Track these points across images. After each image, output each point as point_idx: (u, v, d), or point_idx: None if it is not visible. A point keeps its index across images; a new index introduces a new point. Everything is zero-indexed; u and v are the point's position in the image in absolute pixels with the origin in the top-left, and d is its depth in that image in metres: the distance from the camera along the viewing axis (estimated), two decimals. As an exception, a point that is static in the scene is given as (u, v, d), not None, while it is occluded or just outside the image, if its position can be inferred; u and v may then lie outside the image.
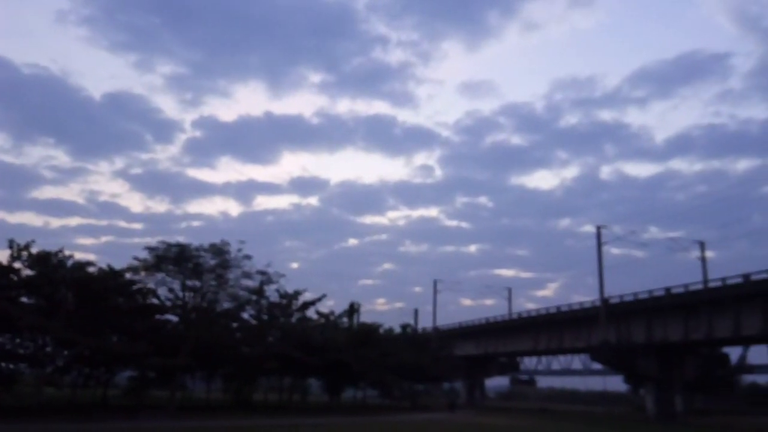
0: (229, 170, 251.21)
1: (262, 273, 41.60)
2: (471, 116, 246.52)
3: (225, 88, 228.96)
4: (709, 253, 58.47)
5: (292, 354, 43.27)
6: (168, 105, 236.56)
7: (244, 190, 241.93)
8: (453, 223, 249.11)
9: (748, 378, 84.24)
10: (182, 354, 37.03)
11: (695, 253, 57.97)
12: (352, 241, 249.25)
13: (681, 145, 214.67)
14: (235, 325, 45.28)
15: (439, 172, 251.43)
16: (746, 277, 43.05)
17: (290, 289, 48.29)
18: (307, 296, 49.99)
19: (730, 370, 68.09)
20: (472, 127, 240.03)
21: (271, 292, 45.35)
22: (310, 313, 51.97)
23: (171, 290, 39.17)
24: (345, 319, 56.31)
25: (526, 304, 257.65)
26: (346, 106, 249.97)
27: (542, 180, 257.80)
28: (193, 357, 38.16)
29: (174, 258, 37.52)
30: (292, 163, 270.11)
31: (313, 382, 63.27)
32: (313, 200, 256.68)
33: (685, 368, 55.01)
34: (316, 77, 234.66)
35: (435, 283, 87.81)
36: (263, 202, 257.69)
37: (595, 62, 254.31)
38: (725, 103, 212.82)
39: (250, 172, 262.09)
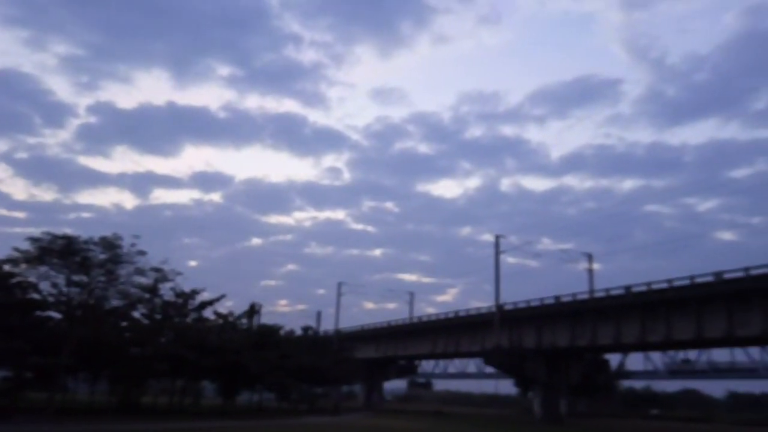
0: (125, 160, 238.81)
1: (157, 270, 39.72)
2: (381, 122, 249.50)
3: (125, 74, 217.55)
4: (595, 265, 62.38)
5: (185, 355, 41.60)
6: (61, 87, 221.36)
7: (141, 182, 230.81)
8: (359, 226, 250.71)
9: (625, 383, 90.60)
10: (64, 353, 34.67)
11: (583, 265, 61.66)
12: (256, 241, 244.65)
13: (574, 162, 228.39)
14: (124, 324, 42.98)
15: (347, 175, 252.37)
16: (627, 288, 46.25)
17: (187, 288, 46.43)
18: (205, 296, 48.28)
19: (610, 375, 72.84)
20: (381, 132, 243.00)
21: (166, 290, 43.46)
22: (208, 313, 50.20)
23: (54, 285, 36.46)
24: (244, 321, 54.95)
25: (427, 309, 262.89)
26: (255, 101, 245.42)
27: (446, 189, 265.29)
28: (77, 357, 35.82)
29: (59, 251, 35.02)
30: (194, 157, 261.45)
31: (207, 385, 61.25)
32: (215, 196, 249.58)
33: (571, 373, 58.24)
34: (224, 70, 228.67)
35: (339, 285, 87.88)
36: (161, 196, 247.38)
37: (500, 78, 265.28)
38: (615, 125, 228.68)
39: (149, 163, 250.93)
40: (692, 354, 67.82)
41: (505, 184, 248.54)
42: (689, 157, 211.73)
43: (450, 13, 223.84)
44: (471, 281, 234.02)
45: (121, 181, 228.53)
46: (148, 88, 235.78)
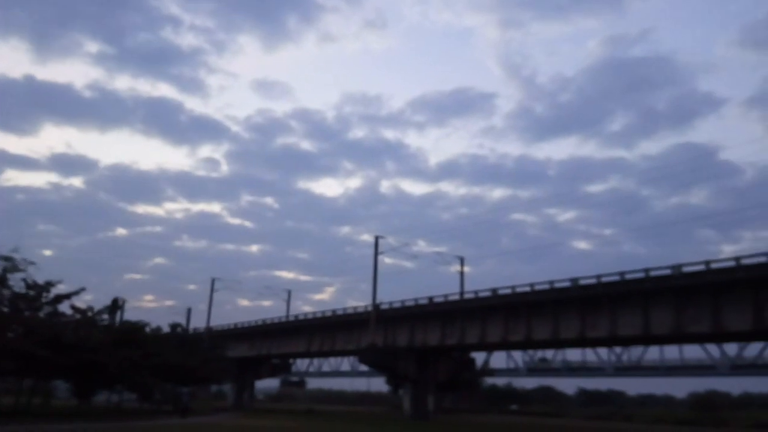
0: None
1: (6, 259, 36.12)
2: (262, 115, 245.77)
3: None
4: (466, 268, 65.08)
5: (35, 352, 38.11)
6: None
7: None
8: (236, 221, 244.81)
9: (489, 380, 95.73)
10: None
11: (456, 267, 64.12)
12: (121, 231, 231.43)
13: (450, 169, 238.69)
14: (-36, 317, 38.60)
15: (225, 167, 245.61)
16: (493, 291, 48.76)
17: (41, 279, 42.52)
18: (61, 288, 44.37)
19: (475, 372, 76.53)
20: (263, 125, 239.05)
21: (15, 281, 39.47)
22: (64, 307, 46.26)
23: None
24: (105, 316, 51.32)
25: (304, 307, 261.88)
26: (125, 83, 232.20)
27: (327, 187, 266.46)
28: None
29: None
30: (54, 137, 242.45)
31: (60, 385, 56.65)
32: (76, 181, 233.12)
33: (439, 370, 60.40)
34: (92, 46, 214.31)
35: (212, 281, 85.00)
36: (14, 177, 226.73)
37: (383, 83, 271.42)
38: (488, 137, 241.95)
39: (0, 141, 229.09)
40: (549, 353, 73.38)
41: (385, 186, 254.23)
42: (552, 171, 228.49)
43: (337, 13, 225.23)
44: (348, 280, 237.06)
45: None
46: (3, 58, 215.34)
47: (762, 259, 34.15)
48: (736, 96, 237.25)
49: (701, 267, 36.46)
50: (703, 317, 36.85)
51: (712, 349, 58.68)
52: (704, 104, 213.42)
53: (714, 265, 36.05)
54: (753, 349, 57.58)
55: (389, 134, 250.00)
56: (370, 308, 58.05)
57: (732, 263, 35.44)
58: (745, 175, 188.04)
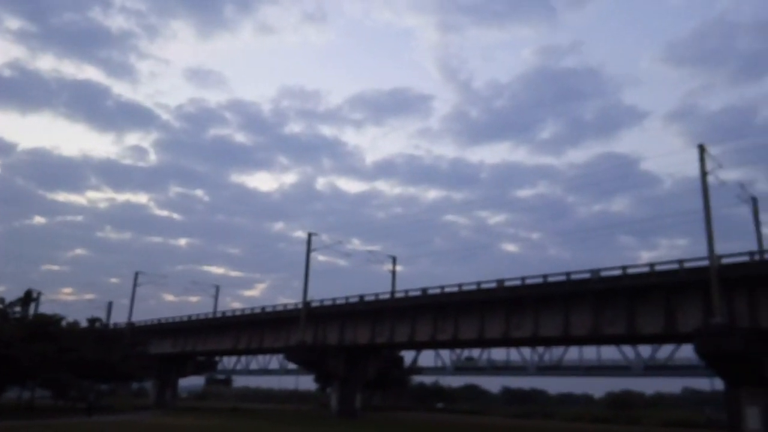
0: None
1: None
2: (195, 104, 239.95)
3: None
4: (399, 268, 65.59)
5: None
6: None
7: None
8: (164, 212, 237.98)
9: (417, 378, 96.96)
10: None
11: (388, 266, 64.48)
12: (39, 220, 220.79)
13: (386, 169, 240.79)
14: None
15: (153, 157, 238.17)
16: (423, 291, 49.36)
17: (-53, 269, 40.02)
18: (-30, 279, 42.00)
19: (404, 370, 77.31)
20: (195, 115, 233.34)
21: None
22: (-27, 299, 43.81)
23: None
24: (18, 309, 48.74)
25: (233, 304, 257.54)
26: (48, 63, 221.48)
27: (262, 182, 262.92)
28: None
29: None
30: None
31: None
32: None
33: (368, 368, 60.59)
34: (13, 23, 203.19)
35: (136, 275, 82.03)
36: None
37: (322, 78, 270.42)
38: (424, 138, 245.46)
39: None
40: (475, 352, 75.00)
41: (321, 182, 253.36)
42: (485, 174, 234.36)
43: (276, 4, 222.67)
44: (280, 277, 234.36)
45: None
46: None
47: (674, 266, 36.15)
48: (658, 110, 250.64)
49: (618, 272, 38.20)
50: (619, 320, 38.60)
51: (628, 350, 61.47)
52: (628, 116, 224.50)
53: (630, 271, 37.85)
54: (665, 351, 60.91)
55: (326, 130, 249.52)
56: (300, 306, 57.54)
57: (646, 269, 37.31)
58: (664, 185, 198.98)
